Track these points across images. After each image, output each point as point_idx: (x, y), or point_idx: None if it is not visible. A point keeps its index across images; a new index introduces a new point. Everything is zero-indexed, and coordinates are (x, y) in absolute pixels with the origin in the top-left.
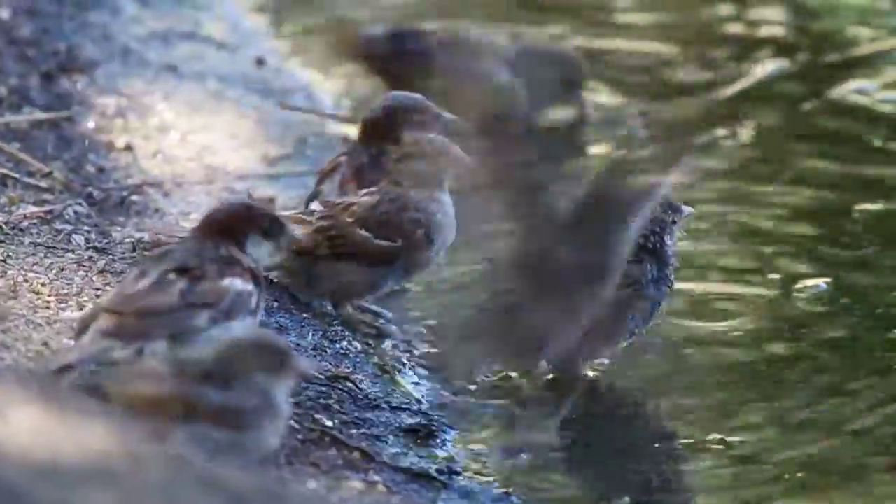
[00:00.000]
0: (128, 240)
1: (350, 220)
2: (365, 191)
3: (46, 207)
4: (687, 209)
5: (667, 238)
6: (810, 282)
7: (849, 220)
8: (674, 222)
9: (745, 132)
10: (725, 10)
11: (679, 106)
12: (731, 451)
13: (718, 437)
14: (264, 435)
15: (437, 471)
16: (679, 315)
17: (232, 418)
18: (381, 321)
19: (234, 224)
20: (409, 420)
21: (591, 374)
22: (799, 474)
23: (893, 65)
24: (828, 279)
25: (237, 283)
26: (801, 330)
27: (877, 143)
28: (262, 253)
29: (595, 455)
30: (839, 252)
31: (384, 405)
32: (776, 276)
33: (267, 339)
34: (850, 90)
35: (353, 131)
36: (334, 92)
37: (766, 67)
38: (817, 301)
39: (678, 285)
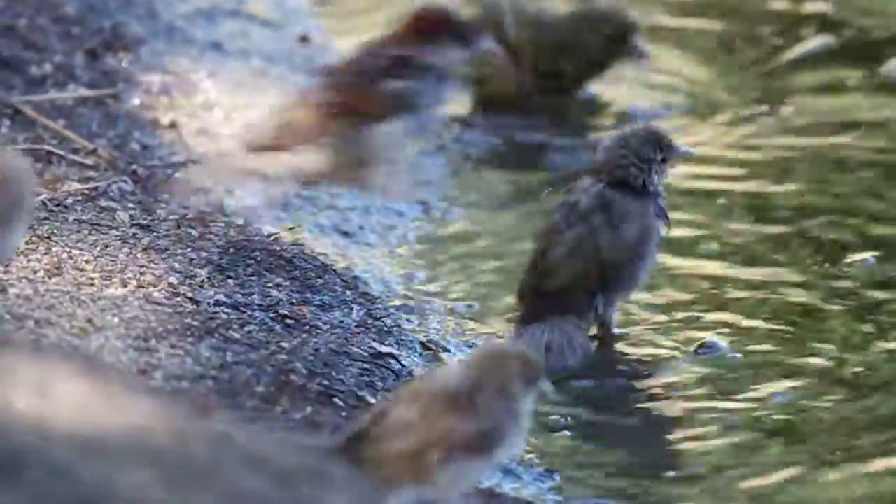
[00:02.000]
0: (172, 217)
1: None
2: None
3: (91, 184)
4: (684, 149)
5: (654, 176)
6: (858, 256)
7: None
8: (664, 160)
9: (786, 109)
10: None
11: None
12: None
13: (764, 412)
14: (512, 449)
15: None
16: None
17: (485, 443)
18: None
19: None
20: None
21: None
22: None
23: None
24: (875, 253)
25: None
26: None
27: None
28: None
29: (637, 434)
30: (885, 229)
31: None
32: (823, 253)
33: (521, 349)
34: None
35: None
36: None
37: (810, 43)
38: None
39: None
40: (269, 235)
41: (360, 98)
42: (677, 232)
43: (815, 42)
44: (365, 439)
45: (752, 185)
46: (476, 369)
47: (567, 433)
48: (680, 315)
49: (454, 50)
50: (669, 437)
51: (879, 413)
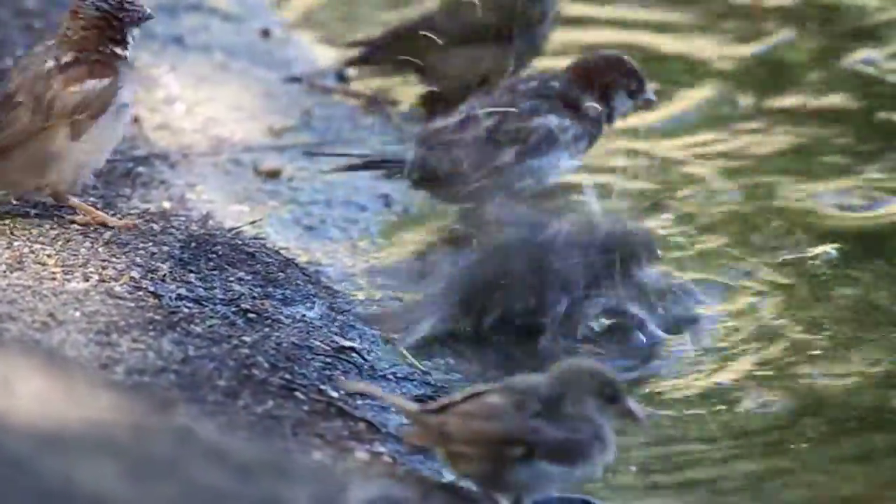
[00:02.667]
0: (133, 211)
1: None
2: None
3: None
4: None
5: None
6: (819, 249)
7: (855, 189)
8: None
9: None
10: None
11: None
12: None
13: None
14: (595, 467)
15: None
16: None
17: (568, 452)
18: None
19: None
20: (415, 390)
21: None
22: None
23: None
24: (837, 245)
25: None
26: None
27: (881, 114)
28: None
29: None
30: (845, 219)
31: (390, 376)
32: (786, 246)
33: (599, 368)
34: (857, 60)
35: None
36: (339, 63)
37: (774, 37)
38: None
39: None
40: (230, 230)
41: None
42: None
43: (778, 36)
44: (455, 412)
45: (708, 174)
46: (560, 383)
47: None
48: None
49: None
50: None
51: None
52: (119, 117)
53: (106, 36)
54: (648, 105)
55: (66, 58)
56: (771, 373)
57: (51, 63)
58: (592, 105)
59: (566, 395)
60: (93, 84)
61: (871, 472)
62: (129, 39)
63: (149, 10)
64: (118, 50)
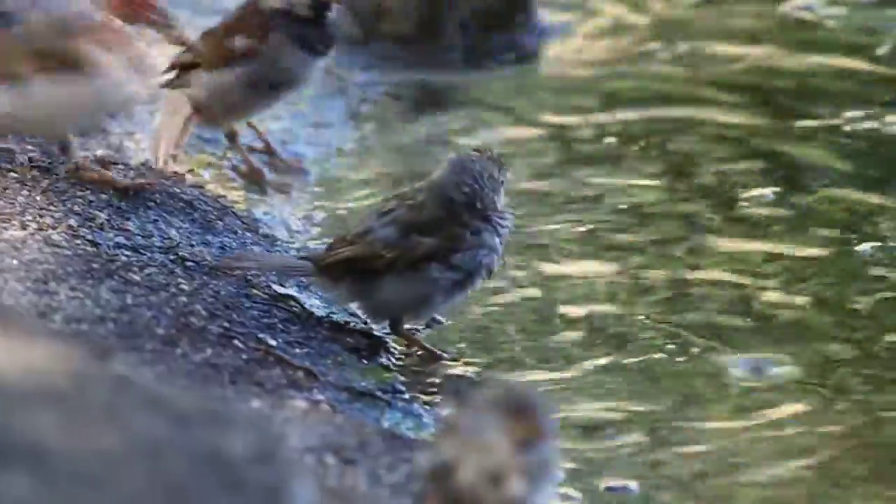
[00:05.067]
0: (72, 160)
1: None
2: None
3: None
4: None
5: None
6: (758, 191)
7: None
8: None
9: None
10: None
11: None
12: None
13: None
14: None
15: (381, 390)
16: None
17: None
18: None
19: None
20: (352, 339)
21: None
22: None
23: None
24: (775, 189)
25: None
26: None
27: (815, 60)
28: None
29: (548, 381)
30: (783, 165)
31: (328, 324)
32: (725, 188)
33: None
34: (795, 6)
35: None
36: None
37: None
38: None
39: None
40: (168, 178)
41: None
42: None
43: None
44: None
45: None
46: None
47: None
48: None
49: None
50: (580, 391)
51: None
52: None
53: None
54: None
55: None
56: None
57: None
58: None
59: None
60: None
61: None
62: None
63: None
64: None
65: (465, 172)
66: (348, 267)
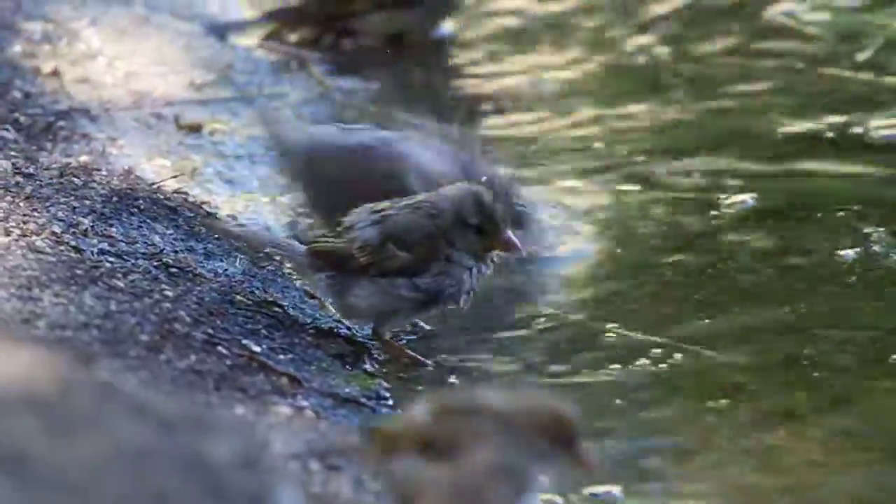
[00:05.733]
0: (55, 165)
1: None
2: None
3: None
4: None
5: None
6: (737, 197)
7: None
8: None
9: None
10: None
11: None
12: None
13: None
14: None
15: (366, 396)
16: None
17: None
18: None
19: None
20: (337, 346)
21: None
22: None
23: None
24: (753, 194)
25: None
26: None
27: (798, 66)
28: None
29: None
30: (763, 171)
31: (312, 330)
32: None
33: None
34: (778, 12)
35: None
36: (254, 14)
37: None
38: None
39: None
40: (152, 184)
41: None
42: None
43: None
44: None
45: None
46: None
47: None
48: None
49: None
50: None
51: None
52: None
53: None
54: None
55: None
56: None
57: None
58: None
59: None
60: None
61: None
62: None
63: None
64: None
65: (480, 202)
66: (327, 259)
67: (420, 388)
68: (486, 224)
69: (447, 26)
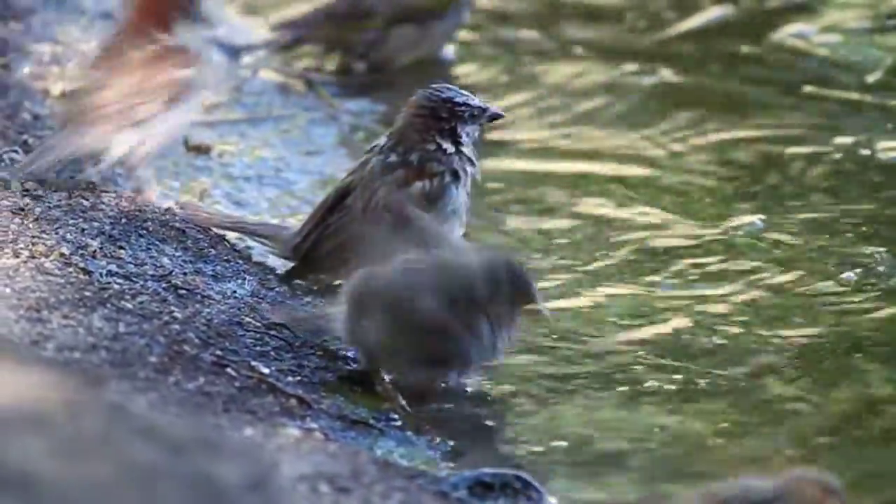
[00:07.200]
0: (64, 187)
1: None
2: None
3: None
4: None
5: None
6: (746, 218)
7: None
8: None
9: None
10: None
11: None
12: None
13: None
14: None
15: (374, 417)
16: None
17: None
18: None
19: None
20: (345, 367)
21: None
22: None
23: (833, 8)
24: (762, 216)
25: None
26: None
27: (808, 88)
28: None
29: (540, 406)
30: (772, 192)
31: (321, 352)
32: (713, 215)
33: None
34: (788, 34)
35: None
36: (263, 36)
37: (709, 13)
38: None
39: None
40: (161, 208)
41: None
42: None
43: (714, 12)
44: None
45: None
46: None
47: (468, 404)
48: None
49: None
50: (571, 410)
51: None
52: None
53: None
54: (496, 118)
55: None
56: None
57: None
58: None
59: None
60: None
61: None
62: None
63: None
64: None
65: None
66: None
67: (430, 408)
68: None
69: (450, 49)
